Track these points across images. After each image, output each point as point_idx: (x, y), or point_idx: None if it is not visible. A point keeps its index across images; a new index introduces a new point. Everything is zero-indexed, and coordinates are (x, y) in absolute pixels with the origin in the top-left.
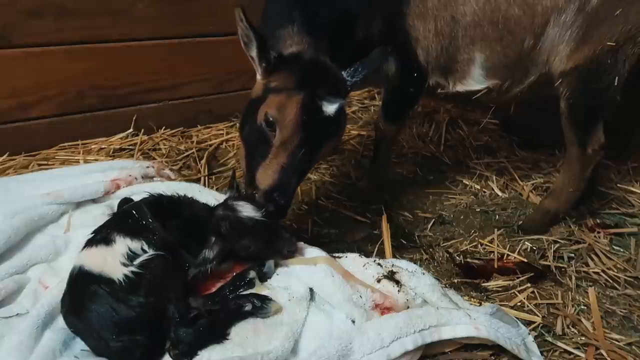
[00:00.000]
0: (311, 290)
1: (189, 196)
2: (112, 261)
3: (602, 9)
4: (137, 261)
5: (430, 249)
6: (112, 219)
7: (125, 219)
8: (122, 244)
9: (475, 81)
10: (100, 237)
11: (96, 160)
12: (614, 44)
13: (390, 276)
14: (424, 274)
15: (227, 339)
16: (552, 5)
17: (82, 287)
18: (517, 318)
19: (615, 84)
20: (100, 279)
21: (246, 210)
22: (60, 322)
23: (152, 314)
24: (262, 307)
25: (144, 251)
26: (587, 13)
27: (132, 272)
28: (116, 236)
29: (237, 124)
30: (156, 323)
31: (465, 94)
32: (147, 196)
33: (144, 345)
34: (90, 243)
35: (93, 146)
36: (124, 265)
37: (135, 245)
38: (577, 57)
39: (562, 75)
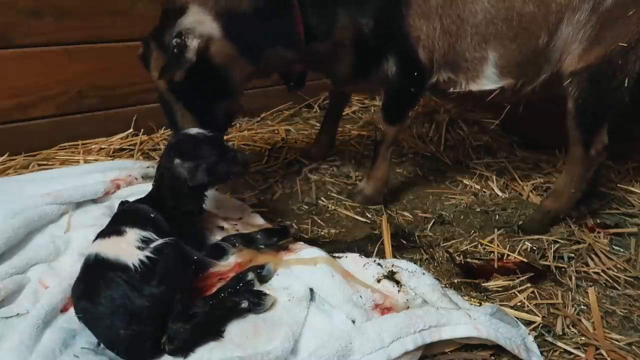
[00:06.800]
0: (311, 290)
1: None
2: (127, 247)
3: (615, 9)
4: (152, 245)
5: (430, 249)
6: (115, 217)
7: (129, 214)
8: (134, 233)
9: (489, 80)
10: (111, 230)
11: (96, 160)
12: (626, 44)
13: (390, 276)
14: (424, 274)
15: (222, 337)
16: (566, 3)
17: (97, 273)
18: (517, 318)
19: (625, 84)
20: (117, 265)
21: (192, 130)
22: (60, 322)
23: (164, 304)
24: (258, 302)
25: (155, 239)
26: (601, 13)
27: (147, 257)
28: (126, 228)
29: (237, 124)
30: (165, 314)
31: (479, 94)
32: (134, 200)
33: (154, 336)
34: (102, 235)
35: (93, 146)
36: (140, 249)
37: (146, 234)
38: (589, 56)
39: (573, 75)
